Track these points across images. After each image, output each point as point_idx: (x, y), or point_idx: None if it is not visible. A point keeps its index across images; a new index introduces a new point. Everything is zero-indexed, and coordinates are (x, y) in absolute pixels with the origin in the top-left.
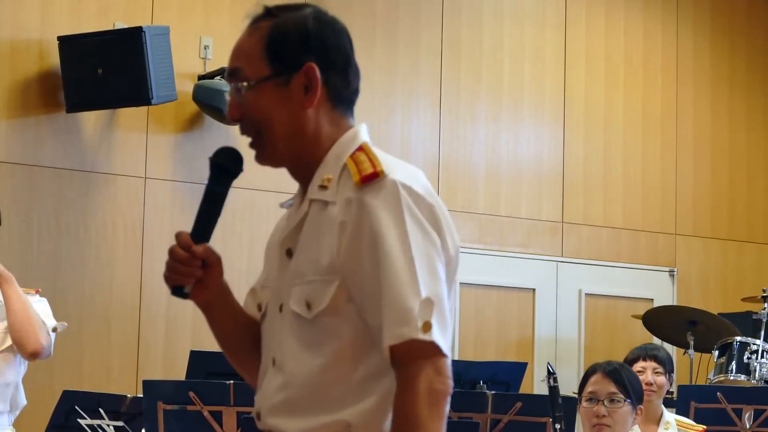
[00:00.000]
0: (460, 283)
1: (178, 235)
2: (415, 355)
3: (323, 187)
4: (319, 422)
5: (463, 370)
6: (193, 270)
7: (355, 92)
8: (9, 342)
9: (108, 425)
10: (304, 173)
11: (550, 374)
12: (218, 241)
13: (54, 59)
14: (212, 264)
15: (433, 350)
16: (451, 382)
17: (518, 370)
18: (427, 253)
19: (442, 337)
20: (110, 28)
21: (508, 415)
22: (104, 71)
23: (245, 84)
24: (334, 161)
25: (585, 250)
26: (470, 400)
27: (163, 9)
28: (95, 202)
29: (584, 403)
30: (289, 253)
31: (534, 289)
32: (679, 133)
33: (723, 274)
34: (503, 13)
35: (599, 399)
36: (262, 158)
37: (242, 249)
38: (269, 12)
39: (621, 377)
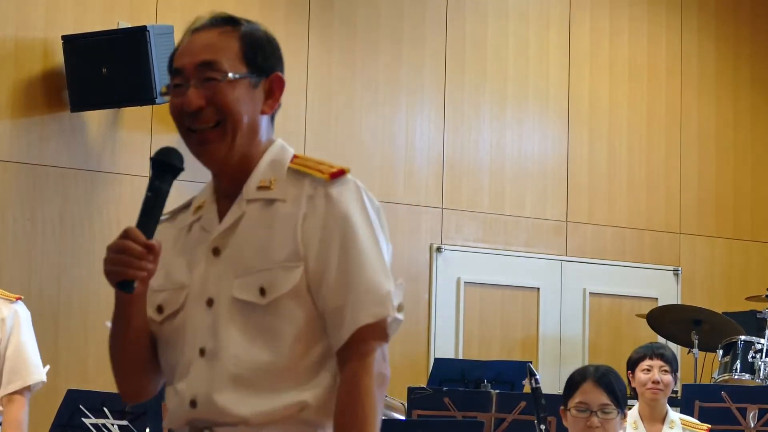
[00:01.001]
0: (465, 282)
1: (130, 231)
2: (375, 336)
3: (264, 188)
4: (278, 404)
5: (468, 369)
6: (146, 264)
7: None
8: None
9: (112, 424)
10: (234, 173)
11: (532, 375)
12: None
13: (58, 59)
14: (158, 261)
15: (388, 333)
16: (389, 368)
17: (522, 369)
18: (386, 248)
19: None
20: (114, 27)
21: (513, 414)
22: (108, 71)
23: (227, 74)
24: (270, 166)
25: (589, 250)
26: (475, 399)
27: (167, 8)
28: (100, 201)
29: (574, 412)
30: (216, 252)
31: (538, 288)
32: (683, 132)
33: (727, 273)
34: (507, 13)
35: (591, 410)
36: (210, 150)
37: None
38: (233, 19)
39: (612, 385)
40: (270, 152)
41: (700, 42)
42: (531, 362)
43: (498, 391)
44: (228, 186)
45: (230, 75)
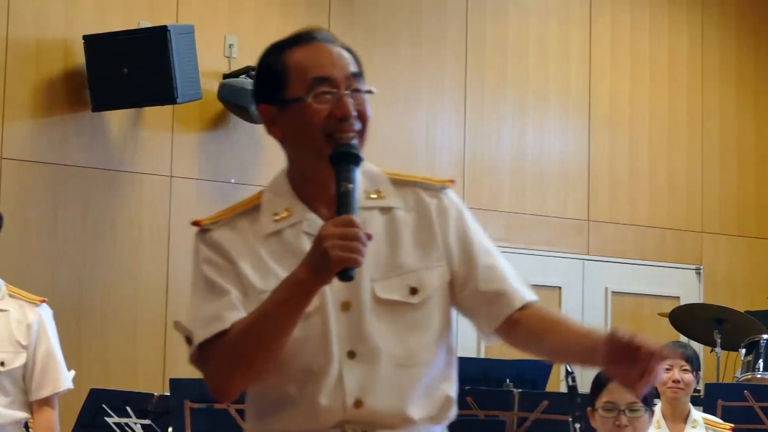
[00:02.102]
0: None
1: (345, 217)
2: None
3: (375, 197)
4: (436, 403)
5: (490, 368)
6: (363, 249)
7: None
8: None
9: (135, 423)
10: (330, 184)
11: (569, 374)
12: None
13: (79, 58)
14: None
15: None
16: None
17: (544, 368)
18: None
19: None
20: (135, 27)
21: (535, 414)
22: (129, 70)
23: (370, 90)
24: (365, 178)
25: (611, 248)
26: (497, 399)
27: (187, 8)
28: (121, 200)
29: (602, 412)
30: None
31: (560, 288)
32: (705, 130)
33: (750, 271)
34: (528, 11)
35: (619, 409)
36: (360, 148)
37: None
38: (345, 47)
39: None
40: (364, 163)
41: (722, 39)
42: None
43: (520, 390)
44: (323, 197)
45: (372, 90)
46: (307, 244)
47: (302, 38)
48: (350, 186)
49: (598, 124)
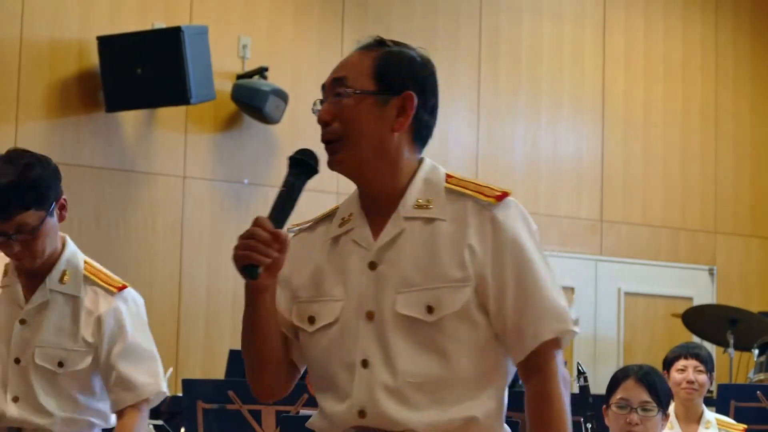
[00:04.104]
0: None
1: (260, 219)
2: (555, 347)
3: (422, 207)
4: (445, 417)
5: None
6: (271, 251)
7: (430, 137)
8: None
9: (148, 424)
10: (382, 189)
11: (581, 374)
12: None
13: (93, 59)
14: (285, 251)
15: (562, 344)
16: None
17: None
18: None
19: None
20: (149, 28)
21: None
22: (143, 71)
23: (349, 90)
24: (423, 185)
25: (624, 249)
26: (510, 398)
27: (201, 9)
28: (135, 201)
29: (615, 409)
30: (372, 266)
31: (573, 288)
32: (718, 131)
33: (763, 272)
34: (542, 12)
35: (632, 406)
36: (337, 160)
37: None
38: (382, 42)
39: (654, 384)
40: (422, 170)
41: (736, 40)
42: (578, 362)
43: None
44: (379, 202)
45: (354, 90)
46: (353, 252)
47: None
48: (283, 189)
49: (611, 125)
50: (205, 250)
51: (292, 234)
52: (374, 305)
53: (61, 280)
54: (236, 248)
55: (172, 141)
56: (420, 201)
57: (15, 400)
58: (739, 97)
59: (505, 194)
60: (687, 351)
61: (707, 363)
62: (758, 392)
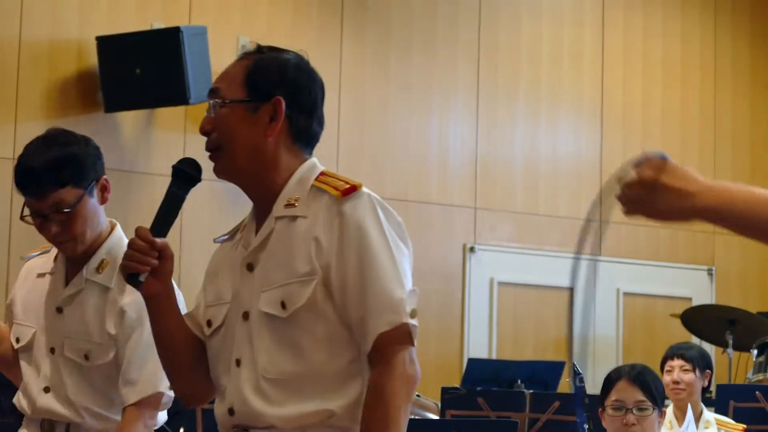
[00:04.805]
0: (498, 282)
1: (139, 229)
2: (397, 341)
3: (290, 206)
4: (303, 410)
5: (501, 369)
6: (149, 260)
7: (315, 136)
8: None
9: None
10: (261, 193)
11: (576, 374)
12: None
13: (92, 59)
14: (167, 258)
15: (411, 337)
16: (419, 369)
17: (556, 369)
18: (402, 256)
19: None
20: (148, 28)
21: (546, 414)
22: (142, 71)
23: (219, 101)
24: (297, 185)
25: (623, 249)
26: (508, 399)
27: (200, 9)
28: (134, 201)
29: (610, 411)
30: (250, 268)
31: (572, 288)
32: (717, 132)
33: (762, 272)
34: (541, 13)
35: (627, 407)
36: (218, 169)
37: None
38: (260, 49)
39: (647, 383)
40: (299, 171)
41: (734, 41)
42: (575, 362)
43: (531, 391)
44: (261, 206)
45: (225, 100)
46: (239, 256)
47: None
48: (166, 200)
49: (610, 125)
50: (205, 250)
51: (218, 243)
52: (249, 305)
53: (98, 269)
54: (123, 258)
55: (171, 141)
56: (290, 200)
57: (46, 390)
58: (737, 97)
59: (353, 187)
60: (673, 352)
61: (695, 361)
62: (757, 392)
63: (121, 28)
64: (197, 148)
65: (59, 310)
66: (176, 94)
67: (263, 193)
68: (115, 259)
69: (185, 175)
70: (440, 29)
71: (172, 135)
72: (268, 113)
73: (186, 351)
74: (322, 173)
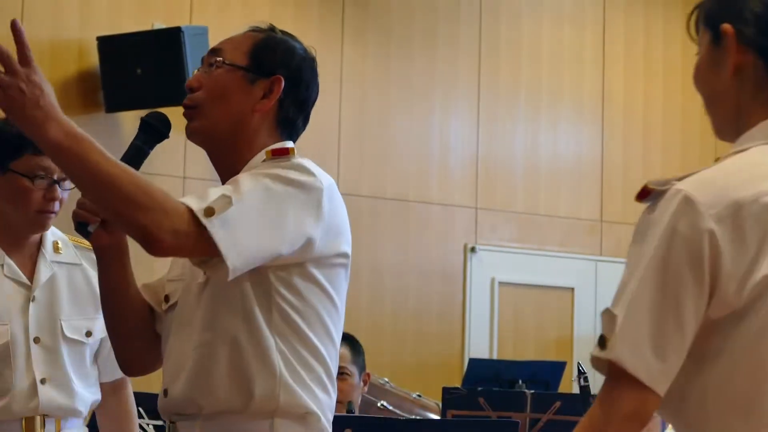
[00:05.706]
0: (499, 282)
1: None
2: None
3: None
4: (227, 395)
5: (503, 369)
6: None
7: (297, 131)
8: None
9: (148, 424)
10: (228, 164)
11: (581, 374)
12: None
13: (93, 59)
14: None
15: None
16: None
17: (557, 369)
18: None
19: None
20: (149, 28)
21: (548, 414)
22: (143, 71)
23: (220, 60)
24: (259, 160)
25: (624, 249)
26: (509, 399)
27: (201, 9)
28: None
29: None
30: None
31: (573, 288)
32: None
33: None
34: (542, 13)
35: None
36: (193, 128)
37: None
38: (272, 28)
39: None
40: (265, 150)
41: None
42: (579, 362)
43: (533, 391)
44: (224, 178)
45: (224, 61)
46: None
47: None
48: (128, 153)
49: (611, 125)
50: None
51: None
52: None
53: (55, 250)
54: (76, 205)
55: (172, 141)
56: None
57: (43, 381)
58: None
59: (285, 150)
60: None
61: None
62: None
63: (122, 28)
64: (198, 149)
65: (34, 299)
66: (177, 94)
67: (229, 164)
68: (62, 238)
69: (153, 129)
70: (441, 29)
71: (173, 135)
72: (263, 89)
73: (130, 315)
74: (269, 152)
